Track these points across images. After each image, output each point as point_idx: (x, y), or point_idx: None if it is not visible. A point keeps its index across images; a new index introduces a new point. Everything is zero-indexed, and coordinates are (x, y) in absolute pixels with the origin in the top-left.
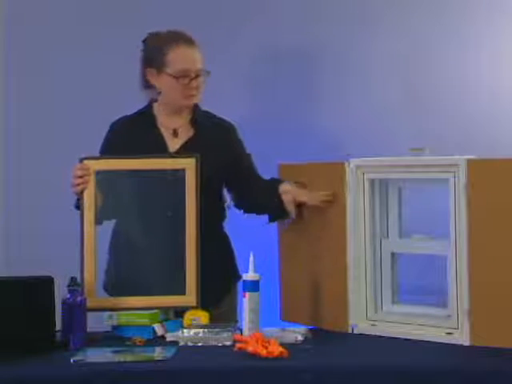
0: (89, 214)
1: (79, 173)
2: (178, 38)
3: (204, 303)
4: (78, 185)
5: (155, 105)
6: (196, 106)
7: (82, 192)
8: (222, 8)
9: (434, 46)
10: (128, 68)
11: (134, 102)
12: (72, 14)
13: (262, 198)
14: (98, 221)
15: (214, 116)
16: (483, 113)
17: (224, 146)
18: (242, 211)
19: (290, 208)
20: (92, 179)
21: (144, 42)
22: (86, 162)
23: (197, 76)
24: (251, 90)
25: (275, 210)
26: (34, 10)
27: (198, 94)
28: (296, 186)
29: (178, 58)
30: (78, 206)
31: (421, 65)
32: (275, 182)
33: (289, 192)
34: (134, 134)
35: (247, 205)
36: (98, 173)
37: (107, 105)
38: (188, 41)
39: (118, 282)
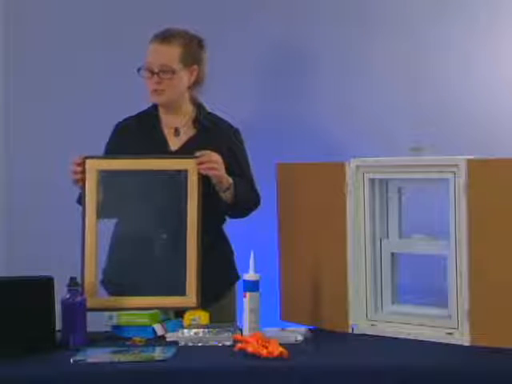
0: (90, 214)
1: (78, 160)
2: (156, 36)
3: (202, 303)
4: (77, 173)
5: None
6: (199, 107)
7: (81, 180)
8: (222, 8)
9: (434, 45)
10: (131, 68)
11: (137, 102)
12: (75, 13)
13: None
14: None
15: (218, 117)
16: (483, 113)
17: (225, 147)
18: (228, 216)
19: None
20: (94, 178)
21: None
22: (88, 161)
23: (161, 72)
24: (251, 91)
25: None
26: (36, 9)
27: (165, 92)
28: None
29: (148, 53)
30: (81, 201)
31: (421, 65)
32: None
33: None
34: (137, 133)
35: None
36: (100, 172)
37: (109, 105)
38: (162, 37)
39: (119, 282)
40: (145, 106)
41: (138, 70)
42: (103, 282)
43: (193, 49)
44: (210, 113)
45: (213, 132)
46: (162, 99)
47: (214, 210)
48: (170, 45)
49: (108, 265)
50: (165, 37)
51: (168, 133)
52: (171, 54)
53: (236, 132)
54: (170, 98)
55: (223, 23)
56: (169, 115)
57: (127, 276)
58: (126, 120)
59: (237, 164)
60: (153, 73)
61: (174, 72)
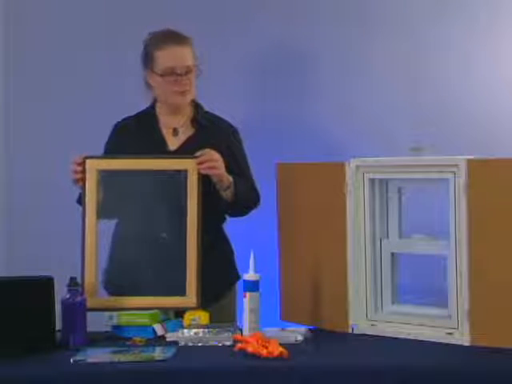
0: (90, 214)
1: (79, 160)
2: (166, 37)
3: (206, 301)
4: (77, 172)
5: (158, 105)
6: (197, 106)
7: (81, 180)
8: (222, 8)
9: (434, 45)
10: (131, 67)
11: (136, 102)
12: (74, 13)
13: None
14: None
15: (216, 117)
16: (483, 113)
17: (223, 146)
18: (228, 215)
19: (220, 185)
20: (94, 178)
21: (143, 43)
22: (88, 161)
23: (186, 73)
24: (252, 90)
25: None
26: (36, 9)
27: (190, 91)
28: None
29: (164, 56)
30: (81, 201)
31: (421, 65)
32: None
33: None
34: (136, 133)
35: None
36: (100, 172)
37: (109, 105)
38: (175, 39)
39: (119, 282)
40: (144, 106)
41: (162, 76)
42: (105, 282)
43: (193, 48)
44: (207, 112)
45: (211, 131)
46: (187, 99)
47: (214, 209)
48: (185, 45)
49: (109, 265)
50: (178, 38)
51: (166, 133)
52: (189, 54)
53: (234, 131)
54: (191, 97)
55: (223, 23)
56: (168, 115)
57: (127, 276)
58: (124, 120)
59: (236, 163)
60: (178, 75)
61: (194, 71)
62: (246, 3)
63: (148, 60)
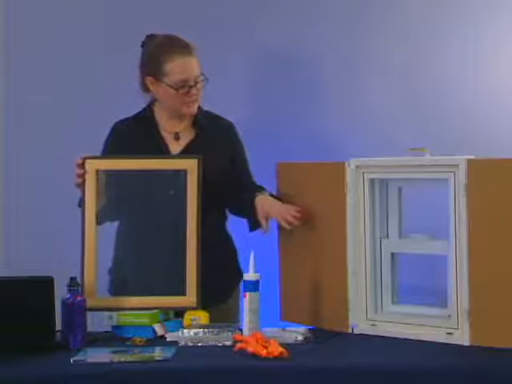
0: (90, 214)
1: (80, 161)
2: (174, 47)
3: (213, 301)
4: (80, 176)
5: (156, 108)
6: (198, 108)
7: (83, 183)
8: (222, 8)
9: (434, 46)
10: (129, 67)
11: (134, 102)
12: (75, 13)
13: (242, 206)
14: (99, 221)
15: (215, 115)
16: (483, 113)
17: (225, 146)
18: (228, 210)
19: (262, 223)
20: (93, 179)
21: (142, 46)
22: (88, 161)
23: (196, 83)
24: (252, 91)
25: (251, 222)
26: (36, 9)
27: (198, 101)
28: (271, 199)
29: (175, 68)
30: (81, 204)
31: (421, 65)
32: (254, 192)
33: (261, 207)
34: (135, 138)
35: (231, 207)
36: (99, 172)
37: (107, 104)
38: (184, 49)
39: (121, 282)
40: (142, 106)
41: (176, 89)
42: (110, 282)
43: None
44: (207, 111)
45: (211, 132)
46: (195, 109)
47: (219, 209)
48: (193, 55)
49: (113, 265)
50: (186, 47)
51: (168, 137)
52: (197, 63)
53: (233, 128)
54: (198, 105)
55: (226, 23)
56: (169, 119)
57: (128, 276)
58: (123, 122)
59: (239, 159)
60: (190, 86)
61: (201, 81)
62: (249, 3)
63: (152, 68)
